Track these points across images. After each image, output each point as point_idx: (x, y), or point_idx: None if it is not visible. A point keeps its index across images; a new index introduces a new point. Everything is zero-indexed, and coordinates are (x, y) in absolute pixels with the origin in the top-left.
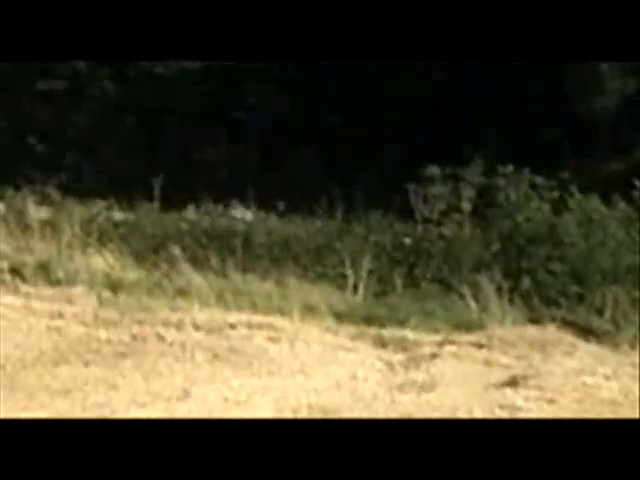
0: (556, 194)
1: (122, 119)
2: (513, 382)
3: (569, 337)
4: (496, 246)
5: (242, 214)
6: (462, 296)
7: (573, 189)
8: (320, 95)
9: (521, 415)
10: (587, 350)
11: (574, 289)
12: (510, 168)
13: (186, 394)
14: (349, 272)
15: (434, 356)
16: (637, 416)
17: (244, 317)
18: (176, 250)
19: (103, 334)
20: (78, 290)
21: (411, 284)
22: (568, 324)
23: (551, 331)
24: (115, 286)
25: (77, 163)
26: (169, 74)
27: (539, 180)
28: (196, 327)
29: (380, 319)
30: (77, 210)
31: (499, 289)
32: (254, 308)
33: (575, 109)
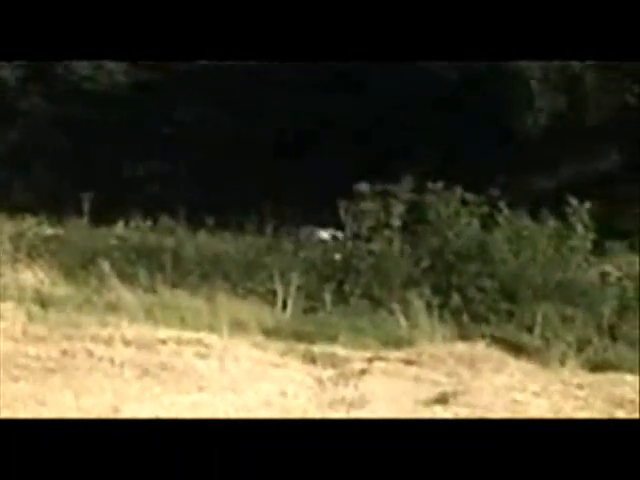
0: (486, 210)
1: (52, 135)
2: (443, 399)
3: (498, 354)
4: (426, 262)
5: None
6: (392, 312)
7: (502, 205)
8: (255, 111)
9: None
10: (517, 367)
11: (504, 306)
12: (440, 184)
13: (116, 411)
14: (278, 288)
15: (363, 372)
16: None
17: (173, 333)
18: (105, 266)
19: (32, 350)
20: (7, 306)
21: (340, 300)
22: (498, 341)
23: (480, 348)
24: (44, 301)
25: (6, 179)
26: (100, 89)
27: (469, 196)
28: (125, 343)
29: (309, 335)
30: (6, 225)
31: (429, 306)
32: (183, 324)
33: (506, 125)
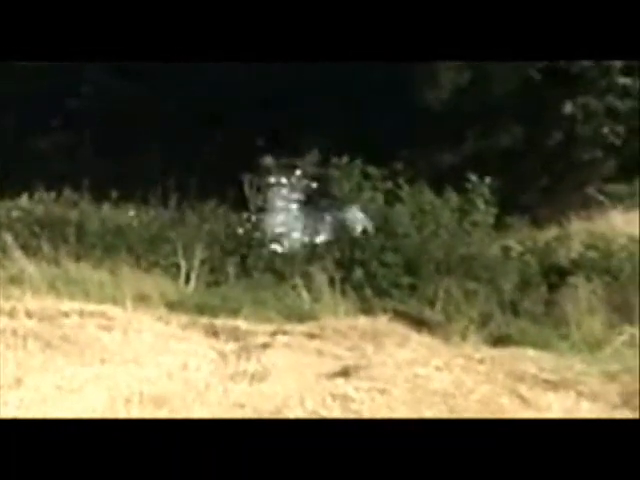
0: (389, 185)
1: None
2: (345, 372)
3: (401, 328)
4: (328, 236)
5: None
6: (294, 286)
7: (405, 180)
8: (159, 81)
9: (354, 406)
10: (419, 341)
11: (406, 280)
12: (344, 159)
13: (18, 382)
14: (182, 262)
15: (266, 346)
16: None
17: (76, 305)
18: (8, 238)
19: None
20: None
21: (244, 274)
22: (400, 315)
23: (383, 322)
24: None
25: None
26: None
27: (372, 170)
28: (28, 315)
29: (212, 308)
30: None
31: (332, 280)
32: (87, 296)
33: (409, 100)
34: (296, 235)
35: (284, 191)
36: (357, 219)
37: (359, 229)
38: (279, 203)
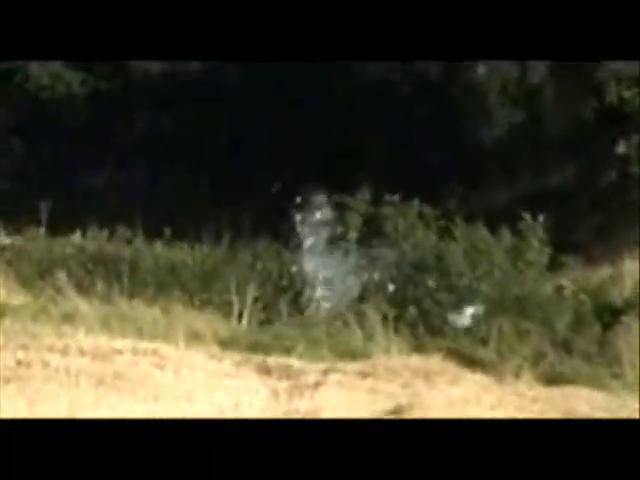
0: (443, 223)
1: (9, 142)
2: (398, 411)
3: (454, 367)
4: (382, 275)
5: None
6: (347, 324)
7: (459, 219)
8: (209, 119)
9: None
10: (472, 380)
11: None
12: (397, 197)
13: None
14: (234, 299)
15: (319, 384)
16: None
17: (129, 343)
18: (62, 275)
19: None
20: None
21: (297, 312)
22: (453, 354)
23: (436, 361)
24: (0, 311)
25: None
26: (56, 97)
27: (426, 209)
28: (81, 353)
29: (265, 346)
30: None
31: (385, 318)
32: (140, 334)
33: (463, 138)
34: (348, 275)
35: (336, 229)
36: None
37: None
38: (331, 241)
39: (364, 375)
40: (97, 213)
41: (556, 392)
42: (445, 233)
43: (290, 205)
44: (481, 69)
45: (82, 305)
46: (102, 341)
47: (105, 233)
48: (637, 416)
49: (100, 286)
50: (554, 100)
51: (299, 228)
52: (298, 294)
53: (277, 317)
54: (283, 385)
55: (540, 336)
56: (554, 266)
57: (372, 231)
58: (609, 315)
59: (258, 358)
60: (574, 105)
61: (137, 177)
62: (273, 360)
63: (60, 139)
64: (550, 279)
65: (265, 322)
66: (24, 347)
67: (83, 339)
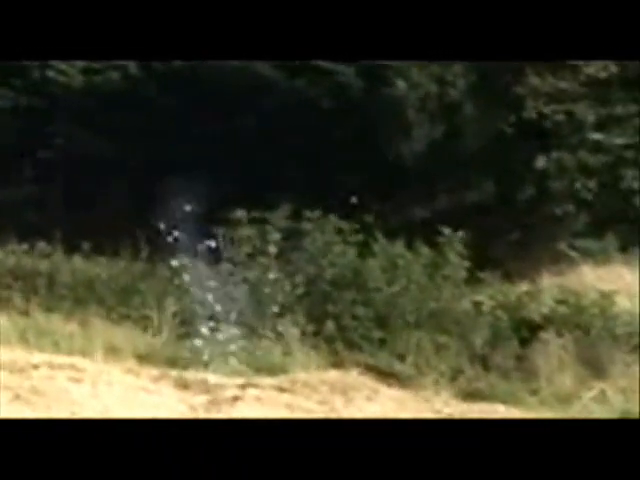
0: (361, 238)
1: None
2: None
3: (371, 382)
4: (301, 290)
5: None
6: (265, 340)
7: (377, 234)
8: (126, 133)
9: None
10: (389, 395)
11: (377, 334)
12: (316, 213)
13: None
14: (153, 314)
15: (236, 399)
16: None
17: (46, 357)
18: None
19: None
20: None
21: (215, 327)
22: (371, 369)
23: (354, 376)
24: None
25: None
26: None
27: (344, 225)
28: None
29: (183, 361)
30: None
31: (303, 333)
32: (57, 348)
33: (381, 154)
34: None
35: (256, 244)
36: None
37: None
38: (251, 256)
39: (282, 390)
40: (16, 227)
41: (473, 408)
42: (363, 248)
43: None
44: (400, 84)
45: None
46: (19, 355)
47: (23, 247)
48: None
49: (17, 300)
50: (473, 115)
51: (221, 243)
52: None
53: (195, 332)
54: (200, 400)
55: (457, 351)
56: (472, 281)
57: (291, 246)
58: (527, 331)
59: (175, 373)
60: (493, 120)
61: (56, 191)
62: (191, 375)
63: None
64: (468, 294)
65: (183, 337)
66: None
67: (0, 352)
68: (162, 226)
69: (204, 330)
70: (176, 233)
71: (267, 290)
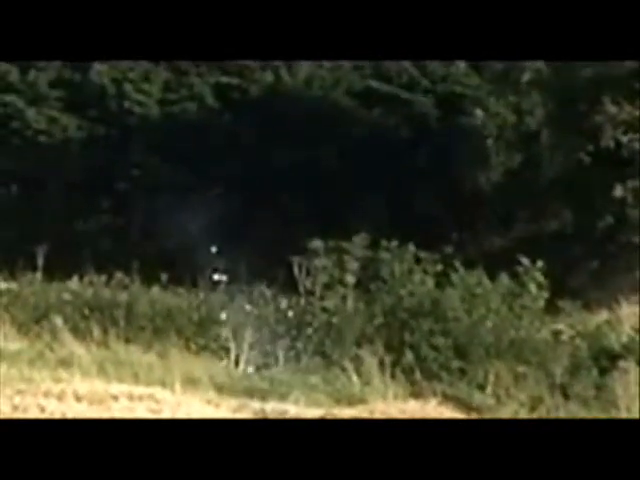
0: (440, 268)
1: (5, 188)
2: None
3: (450, 412)
4: (379, 320)
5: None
6: (344, 370)
7: (457, 264)
8: (209, 166)
9: None
10: None
11: (456, 364)
12: (394, 242)
13: None
14: (231, 345)
15: None
16: None
17: (125, 388)
18: (58, 320)
19: None
20: None
21: (293, 357)
22: (450, 399)
23: (432, 406)
24: None
25: None
26: (54, 143)
27: (423, 254)
28: (77, 398)
29: (262, 392)
30: None
31: (381, 363)
32: (136, 379)
33: (459, 183)
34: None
35: (333, 274)
36: None
37: None
38: (328, 286)
39: None
40: (94, 258)
41: None
42: (442, 277)
43: (287, 250)
44: (478, 113)
45: (78, 350)
46: (98, 386)
47: (102, 278)
48: None
49: (96, 331)
50: (551, 144)
51: (296, 273)
52: (294, 339)
53: (274, 363)
54: None
55: (537, 381)
56: (551, 310)
57: (369, 276)
58: (606, 360)
59: (255, 404)
60: (571, 149)
61: (134, 222)
62: (270, 406)
63: (57, 184)
64: (547, 324)
65: (262, 367)
66: (20, 392)
67: (79, 384)
68: None
69: (282, 360)
70: None
71: (345, 320)
